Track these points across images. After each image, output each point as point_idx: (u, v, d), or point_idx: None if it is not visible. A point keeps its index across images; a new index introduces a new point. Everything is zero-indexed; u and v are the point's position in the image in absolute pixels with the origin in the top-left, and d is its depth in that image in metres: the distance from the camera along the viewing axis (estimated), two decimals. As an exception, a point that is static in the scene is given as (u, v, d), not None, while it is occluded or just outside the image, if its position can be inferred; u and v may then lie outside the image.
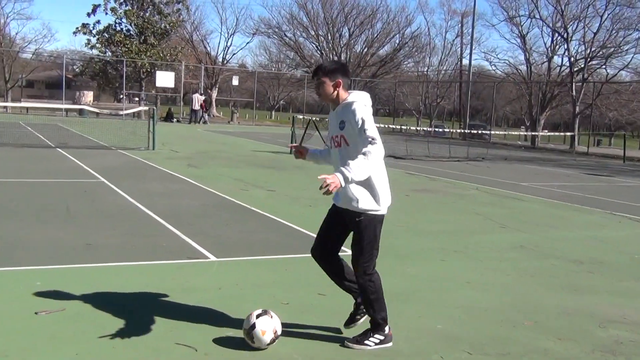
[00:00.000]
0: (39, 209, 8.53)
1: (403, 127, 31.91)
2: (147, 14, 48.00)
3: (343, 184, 3.75)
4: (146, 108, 26.61)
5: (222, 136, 28.47)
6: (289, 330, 4.46)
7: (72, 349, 3.95)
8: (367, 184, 4.06)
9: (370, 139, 3.89)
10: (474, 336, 4.61)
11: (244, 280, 5.77)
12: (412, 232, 8.63)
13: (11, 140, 18.48)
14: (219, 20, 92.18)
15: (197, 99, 40.46)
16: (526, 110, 49.33)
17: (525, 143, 42.31)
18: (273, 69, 71.87)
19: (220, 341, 4.24)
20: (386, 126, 32.90)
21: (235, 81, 50.59)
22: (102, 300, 4.92)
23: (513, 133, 40.95)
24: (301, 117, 25.67)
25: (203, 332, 4.38)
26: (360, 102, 4.11)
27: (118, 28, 47.88)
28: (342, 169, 3.76)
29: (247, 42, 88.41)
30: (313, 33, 56.51)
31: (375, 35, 56.60)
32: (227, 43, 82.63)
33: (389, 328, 4.34)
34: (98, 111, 29.35)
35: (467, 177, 16.38)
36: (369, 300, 4.26)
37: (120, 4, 47.77)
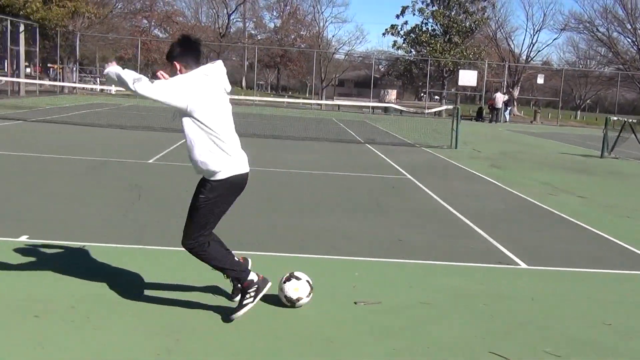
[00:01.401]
0: (354, 202, 9.06)
1: None
2: (453, 13, 48.49)
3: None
4: (449, 107, 26.80)
5: (525, 136, 27.53)
6: (613, 353, 4.07)
7: (389, 344, 4.07)
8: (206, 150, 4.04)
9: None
10: None
11: (559, 292, 5.43)
12: None
13: (327, 135, 20.03)
14: (525, 17, 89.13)
15: (499, 98, 39.76)
16: None
17: None
18: (581, 66, 67.54)
19: (535, 356, 4.03)
20: None
21: (540, 79, 48.58)
22: (414, 297, 5.01)
23: None
24: (615, 118, 23.64)
25: (516, 343, 4.21)
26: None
27: (424, 28, 49.20)
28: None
29: (554, 39, 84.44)
30: (630, 27, 51.74)
31: None
32: (532, 40, 79.75)
33: (256, 274, 4.24)
34: (404, 109, 30.41)
35: None
36: (217, 268, 4.27)
37: (427, 4, 48.98)
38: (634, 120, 23.46)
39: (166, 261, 5.56)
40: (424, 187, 10.69)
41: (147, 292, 4.70)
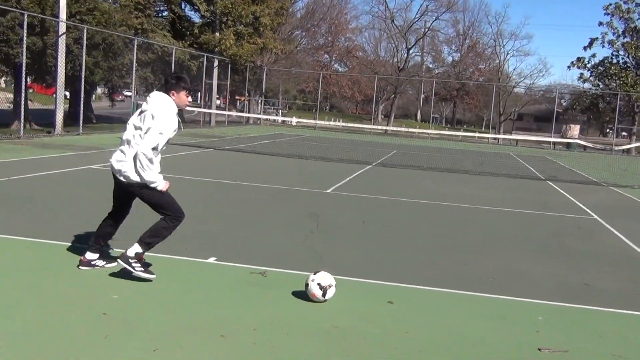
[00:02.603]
0: (535, 241, 8.64)
1: None
2: (647, 45, 45.27)
3: None
4: (641, 144, 24.93)
5: None
6: None
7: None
8: None
9: None
10: None
11: None
12: None
13: (504, 171, 19.41)
14: None
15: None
16: None
17: None
18: None
19: None
20: None
21: None
22: (604, 349, 4.63)
23: None
24: None
25: None
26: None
27: (614, 61, 46.36)
28: None
29: None
30: None
31: None
32: None
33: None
34: (590, 145, 28.73)
35: None
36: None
37: (619, 36, 46.19)
38: None
39: (345, 291, 5.61)
40: (612, 229, 9.95)
41: (324, 322, 4.77)
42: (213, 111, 32.78)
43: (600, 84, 47.21)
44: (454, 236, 8.63)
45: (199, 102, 40.90)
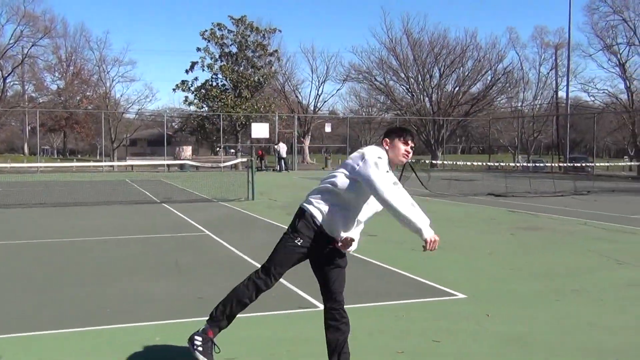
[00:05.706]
0: (152, 264, 8.82)
1: (501, 163, 31.19)
2: (241, 69, 49.70)
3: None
4: (244, 159, 27.28)
5: (317, 182, 28.70)
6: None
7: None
8: None
9: None
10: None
11: (357, 329, 5.69)
12: (523, 273, 8.31)
13: (120, 198, 19.36)
14: (310, 70, 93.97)
15: (283, 147, 41.42)
16: (629, 139, 47.37)
17: (630, 173, 40.47)
18: (364, 114, 72.46)
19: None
20: (483, 164, 32.27)
21: (327, 128, 51.35)
22: (218, 355, 4.96)
23: (618, 164, 39.39)
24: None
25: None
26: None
27: (214, 83, 49.80)
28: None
29: (338, 89, 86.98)
30: (403, 76, 56.54)
31: (467, 73, 55.88)
32: (317, 91, 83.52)
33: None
34: (200, 164, 30.37)
35: (573, 212, 15.72)
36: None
37: (216, 60, 49.77)
38: (414, 160, 25.46)
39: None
40: (223, 242, 10.70)
41: None
42: None
43: (204, 105, 50.25)
44: (68, 272, 8.31)
45: None
